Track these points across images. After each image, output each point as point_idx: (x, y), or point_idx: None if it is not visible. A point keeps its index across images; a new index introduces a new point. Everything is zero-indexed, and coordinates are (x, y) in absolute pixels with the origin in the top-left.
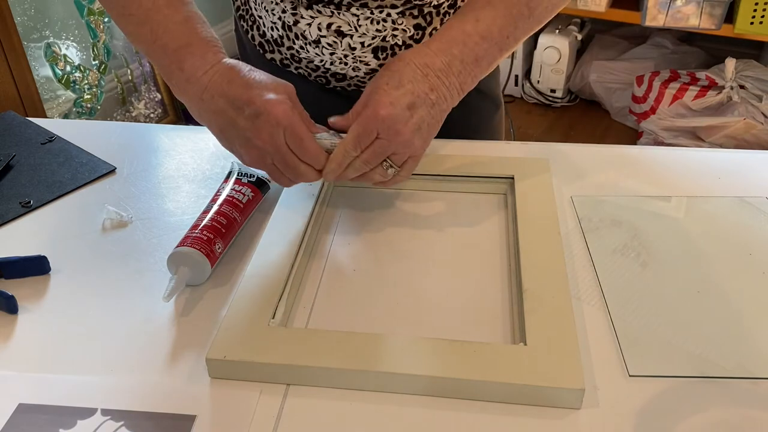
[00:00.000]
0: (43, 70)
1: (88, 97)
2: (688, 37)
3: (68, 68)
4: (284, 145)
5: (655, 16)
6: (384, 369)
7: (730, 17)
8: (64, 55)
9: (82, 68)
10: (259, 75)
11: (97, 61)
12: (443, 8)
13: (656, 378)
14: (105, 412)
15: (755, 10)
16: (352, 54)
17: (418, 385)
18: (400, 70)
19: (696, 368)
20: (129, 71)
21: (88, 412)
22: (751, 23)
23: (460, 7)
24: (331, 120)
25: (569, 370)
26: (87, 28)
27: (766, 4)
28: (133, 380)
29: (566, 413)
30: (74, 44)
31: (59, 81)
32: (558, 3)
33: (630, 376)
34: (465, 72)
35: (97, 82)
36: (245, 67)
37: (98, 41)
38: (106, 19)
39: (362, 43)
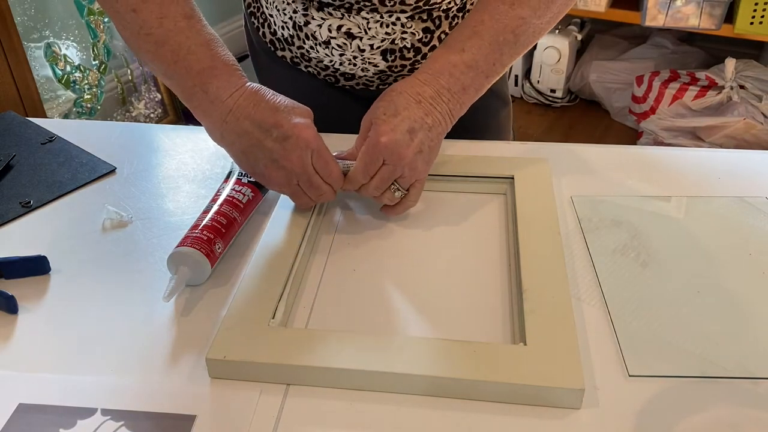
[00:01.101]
0: (43, 70)
1: (88, 97)
2: (688, 37)
3: (68, 68)
4: (311, 165)
5: (655, 16)
6: (384, 369)
7: (730, 17)
8: (64, 55)
9: (82, 68)
10: (283, 99)
11: (97, 61)
12: (452, 12)
13: (656, 378)
14: (105, 412)
15: (755, 10)
16: (362, 56)
17: (418, 385)
18: (395, 99)
19: (696, 368)
20: (129, 71)
21: (88, 412)
22: (751, 23)
23: (469, 10)
24: (336, 154)
25: (569, 370)
26: (87, 28)
27: (766, 4)
28: (133, 380)
29: (566, 413)
30: (74, 44)
31: (59, 81)
32: (544, 27)
33: (630, 376)
34: (453, 100)
35: (97, 82)
36: (269, 92)
37: (98, 41)
38: (106, 19)
39: (371, 46)
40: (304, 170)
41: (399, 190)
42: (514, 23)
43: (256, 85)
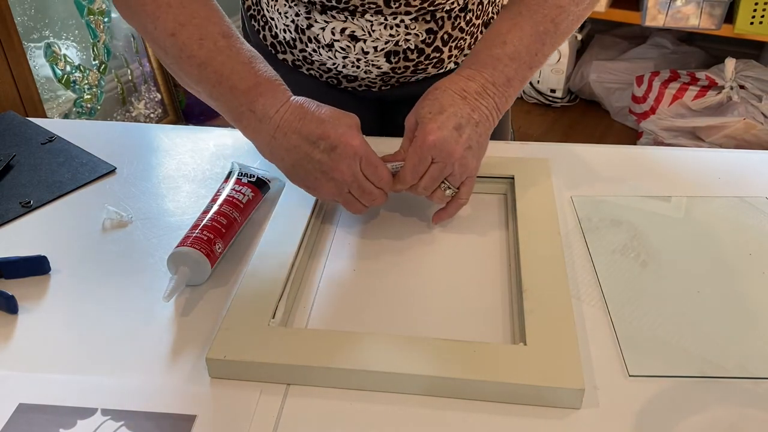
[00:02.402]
0: (43, 70)
1: (88, 97)
2: (688, 37)
3: (68, 68)
4: (360, 173)
5: (655, 16)
6: (384, 369)
7: (730, 17)
8: (64, 55)
9: (82, 68)
10: (328, 109)
11: (97, 61)
12: (454, 12)
13: (656, 378)
14: (105, 412)
15: (755, 10)
16: (365, 58)
17: (418, 385)
18: (439, 97)
19: (696, 368)
20: (129, 71)
21: (88, 412)
22: (751, 23)
23: (471, 10)
24: (384, 156)
25: (569, 370)
26: (87, 28)
27: (766, 4)
28: (133, 380)
29: (566, 413)
30: (74, 44)
31: (59, 81)
32: (582, 14)
33: (630, 376)
34: (499, 93)
35: (97, 82)
36: (314, 103)
37: (98, 41)
38: (106, 19)
39: (375, 48)
40: (354, 178)
41: (449, 188)
42: (553, 12)
43: (301, 99)
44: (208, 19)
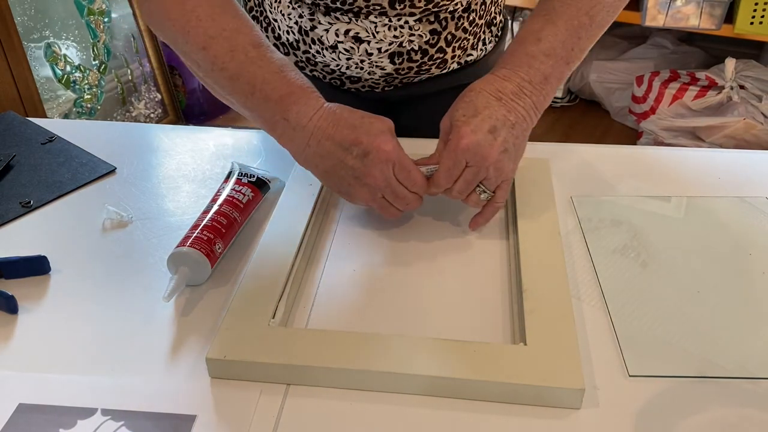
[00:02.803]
0: (43, 70)
1: (88, 97)
2: (688, 37)
3: (68, 68)
4: (393, 178)
5: (655, 16)
6: (384, 369)
7: (730, 17)
8: (64, 55)
9: (82, 68)
10: (360, 115)
11: (97, 61)
12: (458, 12)
13: (656, 378)
14: (105, 412)
15: (755, 10)
16: (369, 59)
17: (418, 385)
18: (473, 99)
19: (696, 368)
20: (129, 71)
21: (88, 412)
22: (751, 23)
23: (474, 10)
24: (418, 160)
25: (569, 370)
26: (87, 28)
27: (766, 4)
28: (133, 380)
29: (566, 413)
30: (74, 44)
31: (59, 81)
32: (618, 4)
33: (630, 376)
34: (536, 92)
35: (97, 82)
36: (346, 109)
37: (98, 41)
38: (106, 19)
39: (379, 49)
40: (387, 183)
41: (485, 192)
42: (588, 5)
43: (334, 105)
44: (238, 31)
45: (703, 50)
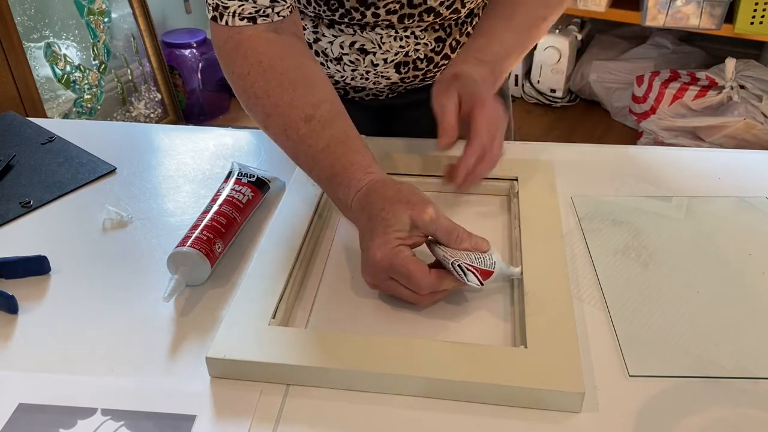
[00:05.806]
0: (43, 70)
1: (88, 97)
2: (688, 37)
3: (68, 68)
4: (384, 282)
5: (655, 16)
6: (384, 370)
7: (730, 17)
8: (64, 55)
9: (82, 68)
10: (381, 206)
11: (97, 61)
12: (461, 18)
13: (656, 378)
14: (105, 412)
15: (755, 10)
16: (375, 70)
17: (418, 387)
18: (467, 71)
19: (696, 368)
20: (129, 71)
21: (88, 412)
22: (751, 23)
23: (477, 14)
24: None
25: (569, 374)
26: (87, 28)
27: (766, 4)
28: (133, 380)
29: (566, 416)
30: (74, 44)
31: (59, 81)
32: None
33: (630, 376)
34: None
35: (97, 82)
36: (376, 197)
37: (98, 41)
38: (106, 19)
39: (385, 60)
40: (386, 286)
41: None
42: None
43: (366, 190)
44: (290, 105)
45: (703, 50)
